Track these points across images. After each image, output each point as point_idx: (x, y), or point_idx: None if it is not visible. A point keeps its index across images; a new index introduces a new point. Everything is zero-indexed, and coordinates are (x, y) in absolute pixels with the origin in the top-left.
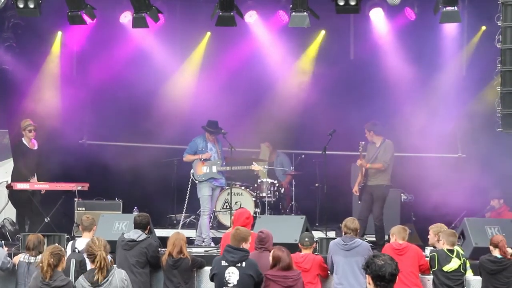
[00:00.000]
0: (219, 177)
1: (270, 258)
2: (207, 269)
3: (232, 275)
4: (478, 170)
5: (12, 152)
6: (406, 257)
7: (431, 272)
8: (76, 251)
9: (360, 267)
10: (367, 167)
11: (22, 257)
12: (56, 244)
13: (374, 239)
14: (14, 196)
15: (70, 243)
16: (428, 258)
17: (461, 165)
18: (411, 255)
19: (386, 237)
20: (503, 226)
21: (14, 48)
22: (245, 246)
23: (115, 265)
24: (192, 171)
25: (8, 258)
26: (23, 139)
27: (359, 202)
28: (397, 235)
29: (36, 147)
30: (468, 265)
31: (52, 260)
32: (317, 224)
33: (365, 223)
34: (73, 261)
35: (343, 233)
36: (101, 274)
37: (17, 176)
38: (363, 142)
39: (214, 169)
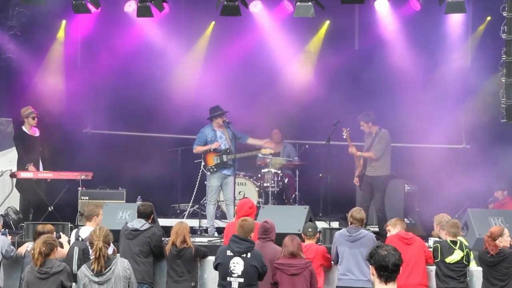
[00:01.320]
0: (230, 166)
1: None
2: (211, 259)
3: (237, 265)
4: (482, 161)
5: (14, 141)
6: (414, 247)
7: (434, 263)
8: (80, 239)
9: (364, 258)
10: (357, 155)
11: (29, 246)
12: (51, 234)
13: (376, 229)
14: (21, 185)
15: (74, 231)
16: (431, 249)
17: (466, 156)
18: (418, 245)
19: None
20: (506, 217)
21: (18, 36)
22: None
23: (118, 254)
24: (202, 163)
25: (12, 247)
26: (23, 127)
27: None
28: (400, 226)
29: (37, 134)
30: (472, 256)
31: (44, 248)
32: (320, 215)
33: (366, 212)
34: (76, 249)
35: (349, 223)
36: (98, 264)
37: (19, 164)
38: (348, 129)
39: (225, 158)
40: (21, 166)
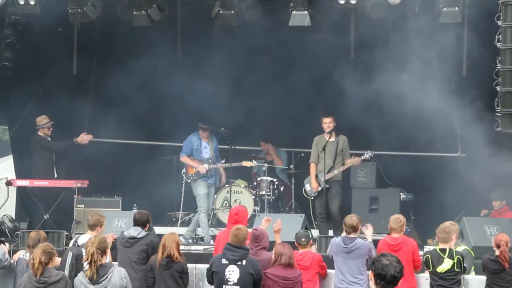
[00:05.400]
0: (212, 176)
1: (272, 255)
2: (198, 268)
3: (233, 273)
4: (477, 169)
5: (31, 145)
6: (401, 252)
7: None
8: (76, 245)
9: (359, 268)
10: (359, 163)
11: (21, 254)
12: (49, 243)
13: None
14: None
15: (73, 239)
16: (423, 259)
17: (461, 164)
18: (406, 250)
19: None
20: (501, 226)
21: (14, 44)
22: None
23: (116, 263)
24: (183, 170)
25: (7, 256)
26: (38, 133)
27: (313, 197)
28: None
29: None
30: (464, 263)
31: (43, 258)
32: (316, 223)
33: (329, 220)
34: (70, 254)
35: (344, 231)
36: (90, 270)
37: (20, 170)
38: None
39: (207, 167)
40: (23, 172)
